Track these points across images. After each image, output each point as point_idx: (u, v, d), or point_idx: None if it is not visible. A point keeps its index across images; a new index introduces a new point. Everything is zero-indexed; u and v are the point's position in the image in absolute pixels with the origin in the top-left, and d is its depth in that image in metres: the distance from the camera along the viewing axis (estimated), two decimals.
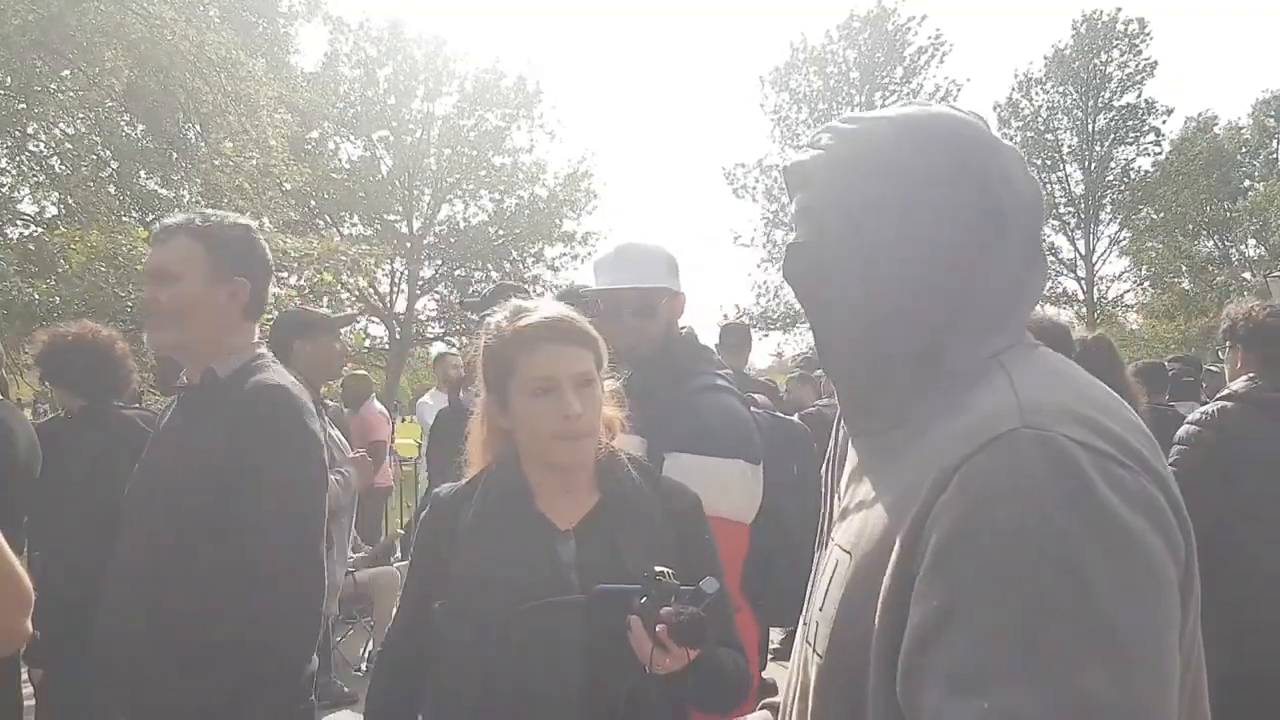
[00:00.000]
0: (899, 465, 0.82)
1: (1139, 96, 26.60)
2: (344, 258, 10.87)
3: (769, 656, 5.33)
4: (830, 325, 0.93)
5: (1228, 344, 2.97)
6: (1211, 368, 6.97)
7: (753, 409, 2.32)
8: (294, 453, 1.82)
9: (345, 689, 4.75)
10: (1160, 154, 26.72)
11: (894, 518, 0.78)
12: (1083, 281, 27.44)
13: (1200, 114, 27.75)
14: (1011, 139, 27.23)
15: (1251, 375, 2.82)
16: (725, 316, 23.83)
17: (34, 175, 13.62)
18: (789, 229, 1.01)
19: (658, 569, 1.34)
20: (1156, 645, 0.67)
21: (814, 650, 0.87)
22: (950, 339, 0.85)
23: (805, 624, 0.93)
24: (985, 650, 0.67)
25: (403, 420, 17.91)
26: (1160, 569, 0.69)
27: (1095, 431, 0.73)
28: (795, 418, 2.50)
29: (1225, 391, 2.82)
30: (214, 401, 1.87)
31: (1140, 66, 26.43)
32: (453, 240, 24.28)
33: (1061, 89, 27.06)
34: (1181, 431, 2.79)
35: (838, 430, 1.06)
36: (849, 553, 0.84)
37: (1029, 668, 0.65)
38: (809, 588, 0.96)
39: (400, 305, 24.49)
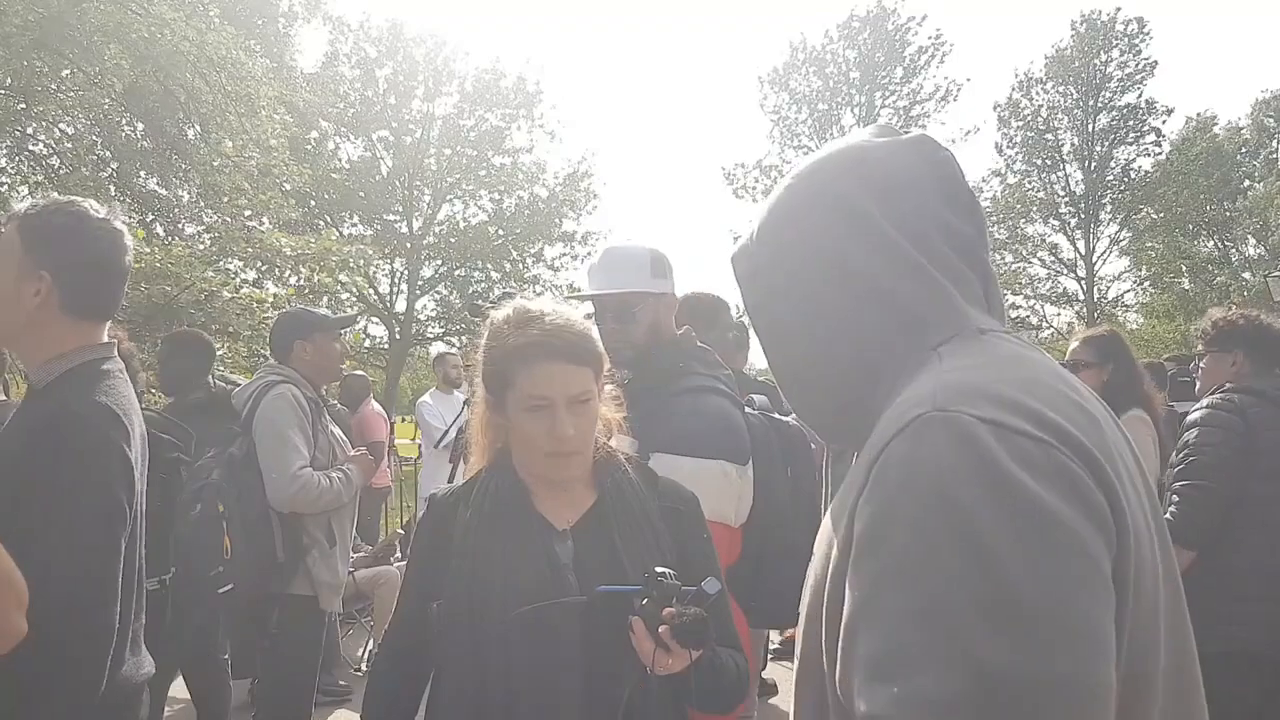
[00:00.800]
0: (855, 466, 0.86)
1: (1139, 96, 26.56)
2: (334, 258, 10.85)
3: (769, 656, 5.34)
4: (791, 375, 0.99)
5: (1214, 348, 2.97)
6: None
7: (750, 410, 2.32)
8: (76, 481, 1.58)
9: (342, 684, 4.77)
10: (1160, 154, 26.67)
11: (836, 516, 0.82)
12: (1083, 281, 27.42)
13: (1200, 114, 27.69)
14: (1012, 139, 27.47)
15: (1251, 373, 2.84)
16: None
17: (34, 175, 13.61)
18: None
19: (659, 569, 1.34)
20: (1066, 609, 0.66)
21: (796, 646, 0.92)
22: (885, 349, 0.88)
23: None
24: (896, 636, 0.68)
25: (402, 420, 17.91)
26: (1072, 537, 0.68)
27: (1007, 408, 0.73)
28: (792, 419, 2.50)
29: (1233, 385, 2.83)
30: (26, 410, 1.69)
31: (1140, 66, 26.39)
32: (453, 240, 24.23)
33: (1061, 89, 27.02)
34: (1202, 414, 2.80)
35: None
36: (815, 552, 0.88)
37: (932, 647, 0.66)
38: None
39: (400, 305, 24.52)
